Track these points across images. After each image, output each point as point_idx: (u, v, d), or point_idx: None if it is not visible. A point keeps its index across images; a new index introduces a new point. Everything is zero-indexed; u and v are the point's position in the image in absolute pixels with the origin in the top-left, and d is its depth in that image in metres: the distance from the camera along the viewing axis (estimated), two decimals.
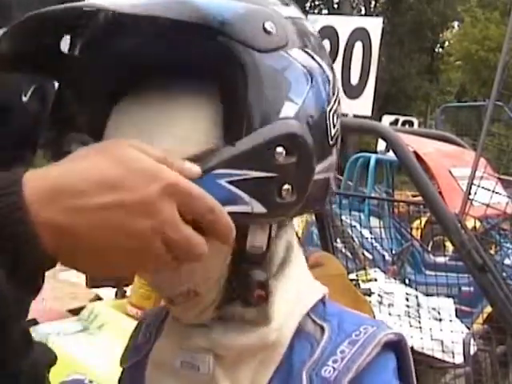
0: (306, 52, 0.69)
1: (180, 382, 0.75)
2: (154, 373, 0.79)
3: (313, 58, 0.69)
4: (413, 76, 23.64)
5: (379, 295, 3.19)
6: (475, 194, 1.80)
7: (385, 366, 0.71)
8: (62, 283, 7.15)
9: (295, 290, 0.75)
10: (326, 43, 2.62)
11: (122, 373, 0.90)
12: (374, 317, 1.75)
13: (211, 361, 0.72)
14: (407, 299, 3.28)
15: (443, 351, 2.79)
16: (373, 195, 6.08)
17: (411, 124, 6.92)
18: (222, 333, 0.73)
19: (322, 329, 0.73)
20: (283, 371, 0.72)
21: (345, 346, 0.70)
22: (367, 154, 6.83)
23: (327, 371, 0.69)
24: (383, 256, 4.75)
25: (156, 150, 0.58)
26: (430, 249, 5.98)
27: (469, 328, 2.91)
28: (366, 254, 4.35)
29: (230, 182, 0.62)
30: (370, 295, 2.91)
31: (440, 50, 26.96)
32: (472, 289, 3.47)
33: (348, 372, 0.68)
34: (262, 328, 0.72)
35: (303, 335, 0.73)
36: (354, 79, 2.63)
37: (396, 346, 0.73)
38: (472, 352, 2.29)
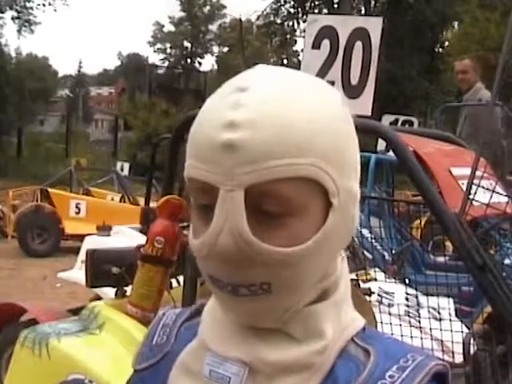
0: None
1: None
2: (179, 377, 0.74)
3: None
4: (413, 76, 23.63)
5: (379, 295, 3.19)
6: (475, 193, 1.80)
7: None
8: (62, 283, 7.15)
9: (344, 313, 0.73)
10: (326, 43, 2.62)
11: (132, 375, 0.82)
12: (374, 317, 1.75)
13: (245, 375, 0.68)
14: (407, 299, 3.28)
15: (443, 351, 2.79)
16: (373, 195, 6.07)
17: (411, 124, 6.89)
18: (264, 345, 0.69)
19: (367, 352, 0.71)
20: None
21: (393, 372, 0.69)
22: (367, 154, 6.81)
23: None
24: (383, 256, 4.75)
25: None
26: (430, 249, 5.98)
27: (469, 328, 2.91)
28: (366, 253, 4.35)
29: None
30: (370, 295, 2.91)
31: (440, 49, 26.92)
32: (472, 289, 3.47)
33: None
34: (307, 346, 0.69)
35: (346, 356, 0.71)
36: (354, 79, 2.62)
37: (441, 377, 0.71)
38: (472, 352, 2.28)
